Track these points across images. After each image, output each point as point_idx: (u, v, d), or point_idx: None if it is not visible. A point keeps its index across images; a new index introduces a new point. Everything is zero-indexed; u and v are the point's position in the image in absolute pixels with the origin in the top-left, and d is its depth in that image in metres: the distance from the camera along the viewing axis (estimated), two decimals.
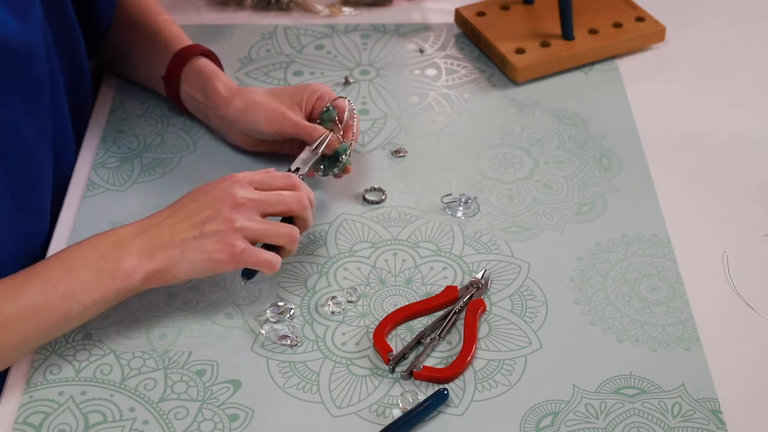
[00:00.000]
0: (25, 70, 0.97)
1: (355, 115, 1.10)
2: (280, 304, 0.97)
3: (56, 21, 1.05)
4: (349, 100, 1.09)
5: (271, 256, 0.94)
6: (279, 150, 1.13)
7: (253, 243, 0.94)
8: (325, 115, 1.09)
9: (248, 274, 0.96)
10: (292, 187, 0.98)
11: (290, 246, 0.96)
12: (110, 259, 0.91)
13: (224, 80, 1.12)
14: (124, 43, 1.19)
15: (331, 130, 1.08)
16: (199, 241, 0.92)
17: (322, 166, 1.08)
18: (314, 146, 1.06)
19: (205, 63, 1.13)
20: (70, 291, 0.89)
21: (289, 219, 0.98)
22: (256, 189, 0.96)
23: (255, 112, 1.08)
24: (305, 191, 0.98)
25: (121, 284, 0.91)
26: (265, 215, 0.96)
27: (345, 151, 1.06)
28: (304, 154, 1.06)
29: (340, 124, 1.09)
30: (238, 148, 1.15)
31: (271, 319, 0.96)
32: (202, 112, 1.15)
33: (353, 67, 1.28)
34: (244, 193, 0.95)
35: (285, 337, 0.95)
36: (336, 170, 1.07)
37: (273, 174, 0.99)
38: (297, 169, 1.04)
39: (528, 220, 1.07)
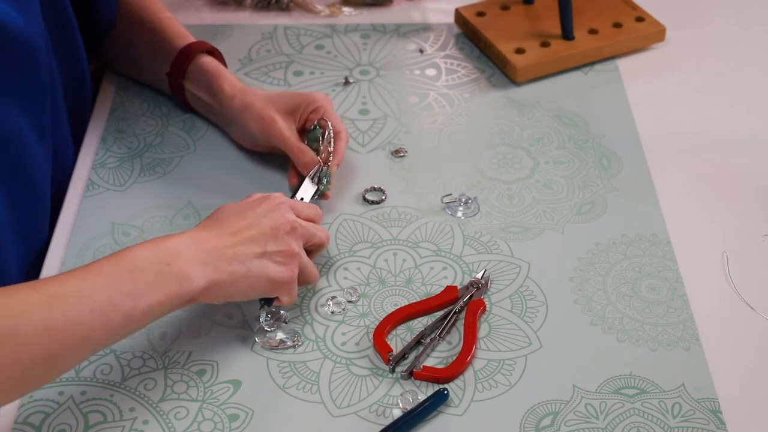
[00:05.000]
0: (26, 64, 0.96)
1: (341, 135, 1.08)
2: (273, 310, 0.96)
3: (55, 21, 1.05)
4: (329, 123, 1.07)
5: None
6: (279, 152, 1.13)
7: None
8: (311, 134, 1.08)
9: (269, 302, 0.95)
10: (318, 218, 0.99)
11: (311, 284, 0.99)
12: (175, 264, 0.86)
13: (229, 78, 1.12)
14: (127, 41, 1.19)
15: (314, 149, 1.07)
16: (262, 261, 0.91)
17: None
18: (312, 176, 1.05)
19: (209, 60, 1.13)
20: (135, 290, 0.84)
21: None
22: None
23: (249, 115, 1.08)
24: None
25: (184, 290, 0.86)
26: (305, 245, 0.96)
27: (323, 179, 1.05)
28: (306, 184, 1.05)
29: (322, 144, 1.07)
30: (238, 149, 1.15)
31: (266, 328, 0.95)
32: (206, 109, 1.15)
33: (353, 67, 1.28)
34: (296, 220, 0.94)
35: (282, 342, 0.95)
36: (315, 194, 1.06)
37: (302, 203, 0.99)
38: (301, 199, 1.04)
39: (528, 220, 1.07)
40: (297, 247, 0.93)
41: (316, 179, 1.05)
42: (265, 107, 1.08)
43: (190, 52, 1.13)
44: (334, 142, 1.07)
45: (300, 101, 1.09)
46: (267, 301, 0.95)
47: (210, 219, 0.93)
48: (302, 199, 1.04)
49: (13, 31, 0.93)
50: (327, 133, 1.07)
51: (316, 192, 1.05)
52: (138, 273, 0.84)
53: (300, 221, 0.95)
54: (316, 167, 1.05)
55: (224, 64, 1.16)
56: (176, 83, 1.15)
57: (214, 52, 1.15)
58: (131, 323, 0.84)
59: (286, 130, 1.07)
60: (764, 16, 1.39)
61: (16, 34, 0.93)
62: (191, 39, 1.15)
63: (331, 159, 1.06)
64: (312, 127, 1.08)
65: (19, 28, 0.93)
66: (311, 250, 0.98)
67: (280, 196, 0.96)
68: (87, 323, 0.81)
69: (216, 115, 1.14)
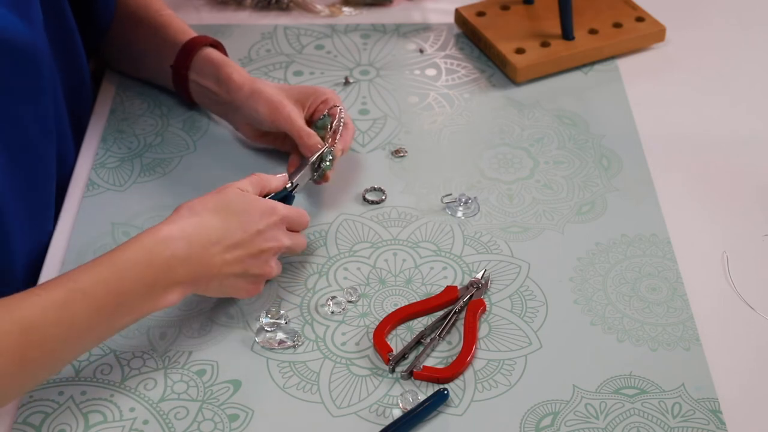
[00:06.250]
0: (31, 71, 0.97)
1: (349, 126, 1.09)
2: (273, 310, 0.96)
3: (54, 21, 1.06)
4: (341, 110, 1.08)
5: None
6: (281, 147, 1.13)
7: None
8: (319, 122, 1.09)
9: None
10: (304, 227, 1.01)
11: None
12: (161, 286, 0.88)
13: (236, 68, 1.12)
14: (128, 38, 1.19)
15: (322, 138, 1.07)
16: (238, 278, 0.94)
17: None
18: (313, 162, 1.05)
19: (214, 52, 1.14)
20: (114, 314, 0.86)
21: None
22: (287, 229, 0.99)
23: (258, 100, 1.09)
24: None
25: (158, 307, 0.89)
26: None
27: (326, 157, 1.06)
28: (307, 170, 1.05)
29: (329, 132, 1.08)
30: (238, 148, 1.15)
31: (267, 328, 0.95)
32: (212, 100, 1.14)
33: (353, 67, 1.28)
34: (287, 242, 0.97)
35: (282, 342, 0.95)
36: (315, 176, 1.06)
37: (295, 212, 0.99)
38: (297, 185, 1.04)
39: (528, 220, 1.07)
40: (275, 266, 0.97)
41: (316, 165, 1.05)
42: (275, 93, 1.09)
43: (194, 46, 1.14)
44: (341, 132, 1.08)
45: (310, 92, 1.11)
46: None
47: (217, 207, 0.93)
48: (297, 186, 1.03)
49: (19, 40, 0.94)
50: (336, 121, 1.07)
51: (314, 176, 1.05)
52: (122, 297, 0.86)
53: (287, 242, 0.97)
54: (318, 153, 1.05)
55: (227, 56, 1.16)
56: (180, 75, 1.15)
57: (217, 46, 1.16)
58: (102, 339, 0.88)
59: (295, 114, 1.08)
60: (764, 16, 1.39)
61: (23, 43, 0.94)
62: (194, 34, 1.16)
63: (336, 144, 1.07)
64: (321, 116, 1.09)
65: (24, 37, 0.95)
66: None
67: (281, 210, 0.97)
68: (63, 348, 0.85)
69: (221, 104, 1.14)
